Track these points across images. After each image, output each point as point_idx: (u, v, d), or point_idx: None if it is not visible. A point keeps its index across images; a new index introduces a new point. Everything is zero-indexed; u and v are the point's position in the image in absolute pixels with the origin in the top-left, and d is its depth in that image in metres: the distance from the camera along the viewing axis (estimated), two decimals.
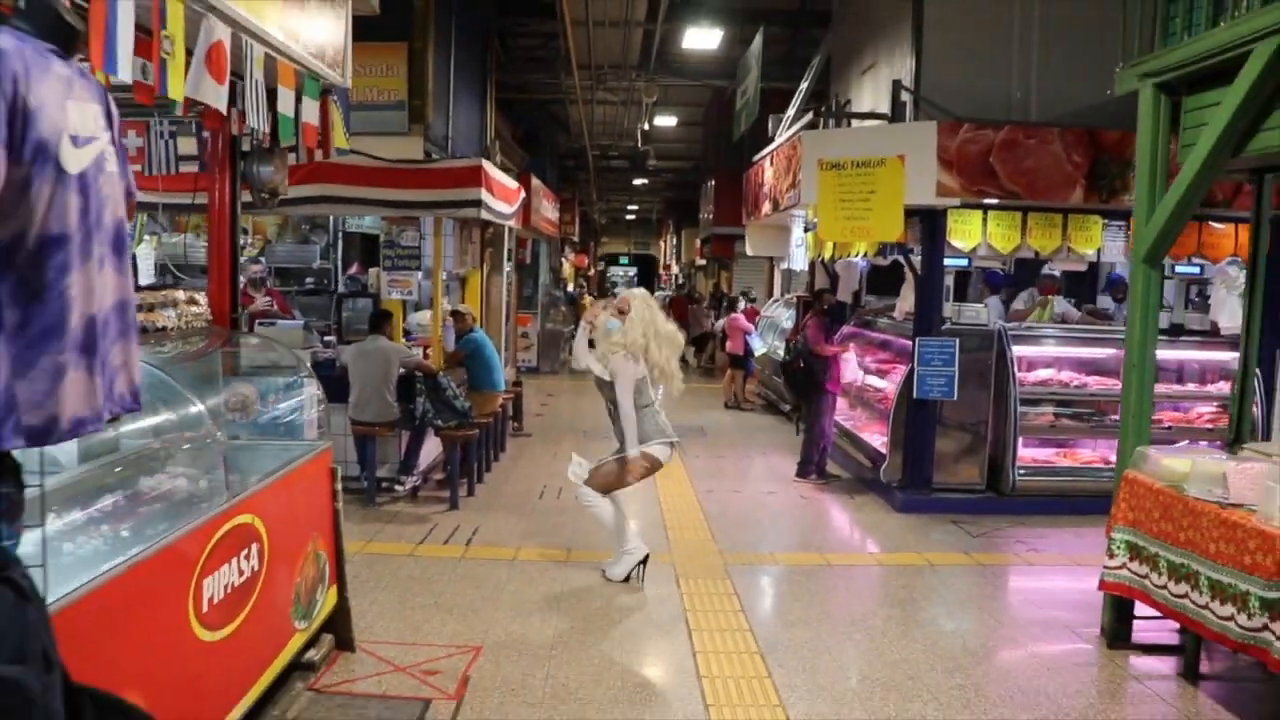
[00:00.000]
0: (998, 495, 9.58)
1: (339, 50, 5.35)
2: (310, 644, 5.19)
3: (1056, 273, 10.94)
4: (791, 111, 12.46)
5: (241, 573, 4.11)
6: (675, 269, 41.95)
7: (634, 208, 47.14)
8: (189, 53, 3.82)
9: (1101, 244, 9.64)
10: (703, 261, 32.57)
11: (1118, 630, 6.05)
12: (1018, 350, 9.61)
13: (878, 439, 10.36)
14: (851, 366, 11.53)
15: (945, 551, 8.12)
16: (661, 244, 49.43)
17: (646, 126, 22.54)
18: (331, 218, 12.16)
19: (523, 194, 12.93)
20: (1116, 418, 9.23)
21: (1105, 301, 12.04)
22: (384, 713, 4.75)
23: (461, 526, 8.41)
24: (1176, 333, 9.93)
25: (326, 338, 10.67)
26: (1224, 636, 4.88)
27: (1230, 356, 9.06)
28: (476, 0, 14.17)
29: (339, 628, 5.54)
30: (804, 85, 12.63)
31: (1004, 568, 7.77)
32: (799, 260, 14.15)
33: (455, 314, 10.97)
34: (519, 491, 9.83)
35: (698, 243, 32.18)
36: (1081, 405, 9.72)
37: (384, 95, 11.02)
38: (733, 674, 5.44)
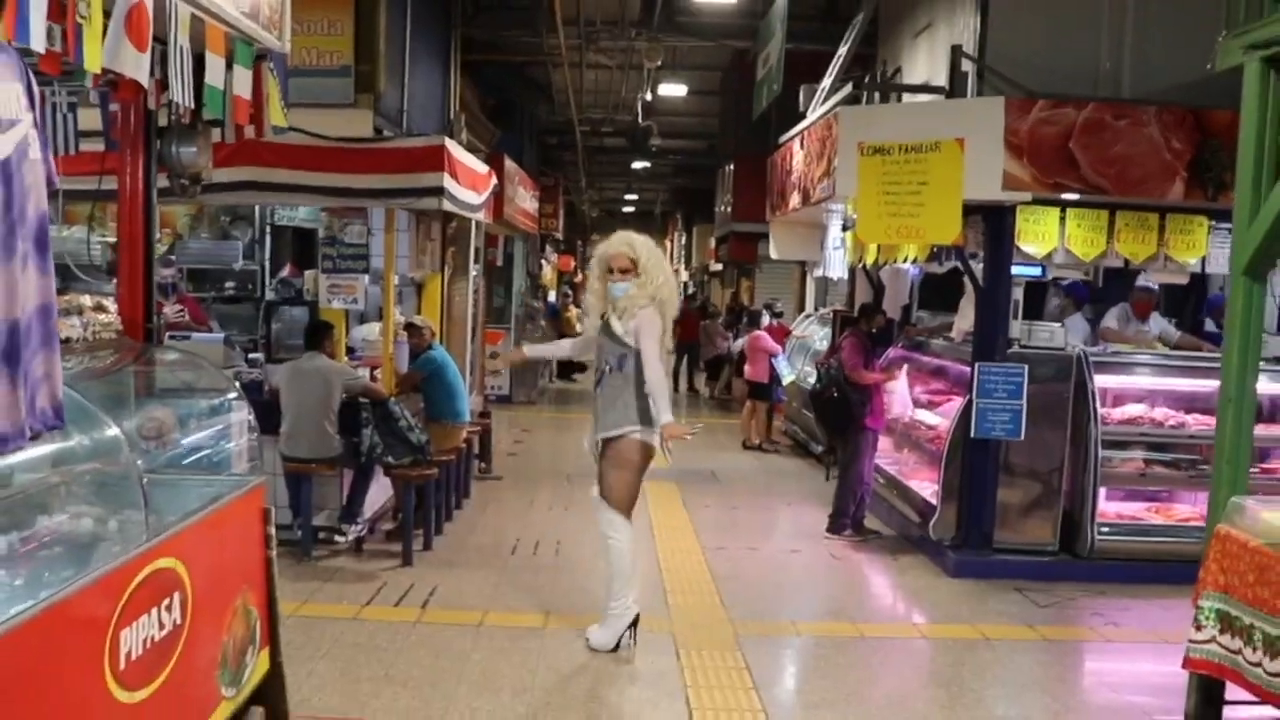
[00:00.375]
0: (1073, 558, 9.90)
1: (275, 8, 5.69)
2: (239, 716, 5.49)
3: (1154, 285, 11.23)
4: (828, 82, 12.83)
5: (162, 625, 4.42)
6: (684, 275, 42.35)
7: (633, 198, 47.95)
8: (106, 15, 4.15)
9: (1207, 251, 9.99)
10: (719, 266, 33.02)
11: (1205, 715, 6.34)
12: (1101, 380, 9.93)
13: (928, 488, 10.71)
14: (900, 398, 11.86)
15: (1005, 624, 8.47)
16: (668, 244, 49.92)
17: (649, 97, 23.11)
18: (258, 208, 12.49)
19: (494, 180, 13.28)
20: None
21: (1210, 325, 12.38)
22: None
23: (417, 585, 8.76)
24: None
25: (252, 355, 11.02)
26: None
27: None
28: None
29: (272, 698, 5.83)
30: (843, 49, 13.01)
31: (1075, 644, 8.14)
32: (836, 266, 14.50)
33: (410, 327, 11.32)
34: (486, 545, 10.19)
35: (712, 243, 32.62)
36: (1180, 450, 10.06)
37: (325, 58, 11.42)
38: None
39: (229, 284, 12.91)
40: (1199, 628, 6.19)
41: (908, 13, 12.88)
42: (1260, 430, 8.92)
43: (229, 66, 5.25)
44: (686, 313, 27.50)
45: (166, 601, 4.49)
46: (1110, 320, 11.61)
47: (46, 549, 4.42)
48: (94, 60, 3.93)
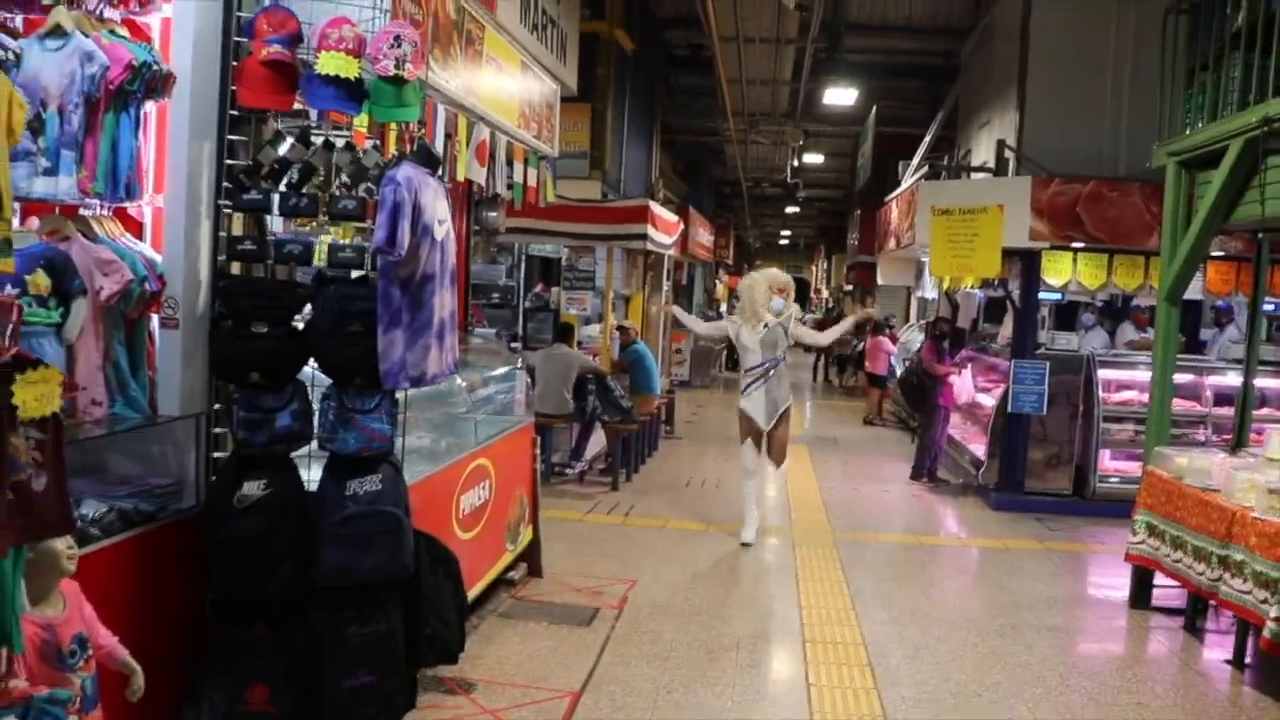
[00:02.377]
0: (1082, 499, 10.92)
1: (550, 132, 7.31)
2: (512, 566, 7.11)
3: (1143, 304, 12.22)
4: (915, 160, 14.10)
5: (480, 497, 6.05)
6: (825, 292, 43.19)
7: (787, 233, 48.81)
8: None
9: None
10: (850, 287, 33.91)
11: (1139, 594, 7.54)
12: (1104, 374, 10.99)
13: (980, 448, 11.88)
14: (965, 386, 13.03)
15: (1023, 539, 9.64)
16: (813, 268, 50.72)
17: (796, 164, 24.15)
18: (516, 242, 14.22)
19: (681, 226, 14.84)
20: (1191, 433, 10.68)
21: (1207, 334, 13.25)
22: (566, 613, 6.63)
23: (620, 503, 10.25)
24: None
25: (513, 344, 12.68)
26: (1199, 588, 6.42)
27: None
28: (648, 57, 16.20)
29: (532, 559, 7.45)
30: (928, 137, 14.27)
31: (1069, 553, 9.24)
32: (929, 289, 15.68)
33: (621, 329, 12.88)
34: (669, 481, 11.64)
35: (845, 269, 33.53)
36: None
37: (571, 146, 13.06)
38: (826, 607, 7.17)
39: (494, 295, 14.61)
40: (1134, 534, 7.40)
41: (977, 110, 13.99)
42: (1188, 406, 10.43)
43: (525, 167, 6.86)
44: (825, 321, 28.72)
45: (483, 483, 6.13)
46: (1129, 332, 12.63)
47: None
48: (461, 173, 5.55)
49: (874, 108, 15.39)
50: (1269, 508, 5.85)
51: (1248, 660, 6.34)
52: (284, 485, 4.15)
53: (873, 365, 18.63)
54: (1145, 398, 11.00)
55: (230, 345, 4.14)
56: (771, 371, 8.69)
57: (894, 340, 19.97)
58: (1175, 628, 7.15)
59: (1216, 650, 6.72)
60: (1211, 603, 6.52)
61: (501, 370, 7.66)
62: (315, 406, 4.28)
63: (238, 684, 4.03)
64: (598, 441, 11.68)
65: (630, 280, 14.98)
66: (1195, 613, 7.10)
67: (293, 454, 4.26)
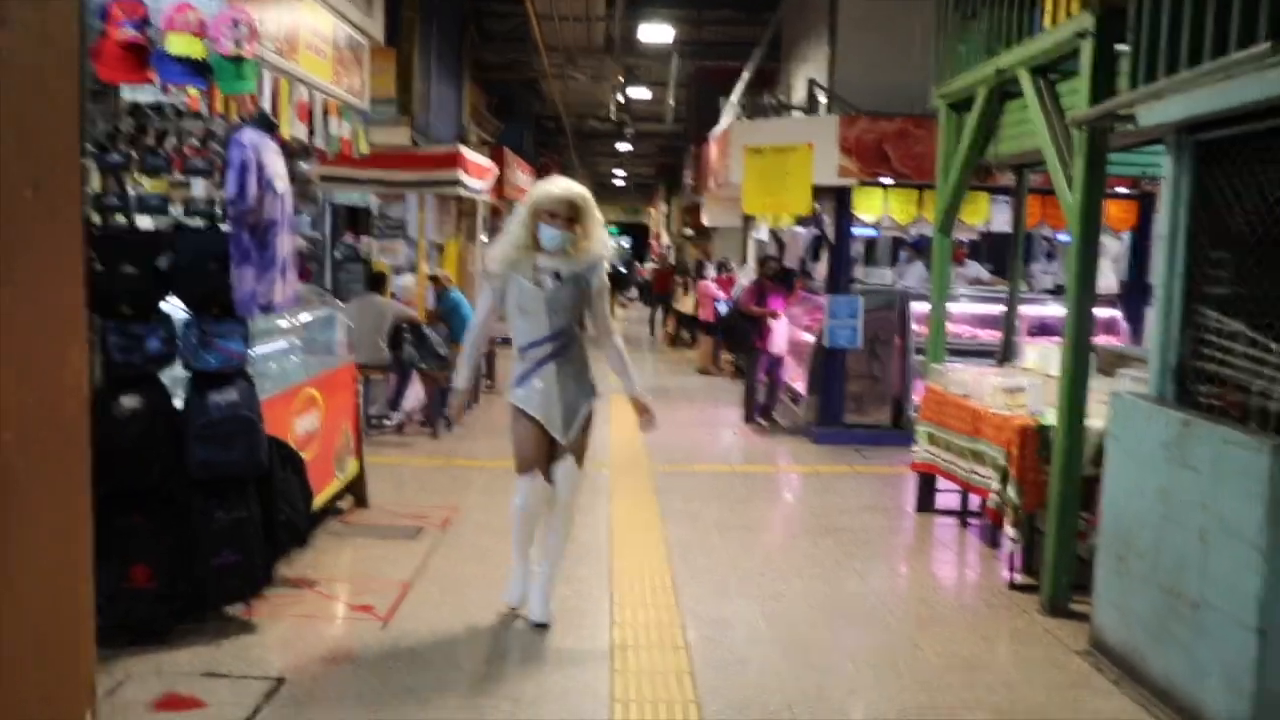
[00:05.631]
0: (899, 430, 12.97)
1: (364, 84, 9.03)
2: (340, 496, 8.87)
3: (962, 239, 14.48)
4: (735, 98, 16.14)
5: (311, 424, 7.81)
6: (665, 238, 44.77)
7: (621, 173, 50.67)
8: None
9: (989, 216, 13.24)
10: (690, 231, 35.69)
11: (924, 500, 9.68)
12: (915, 307, 13.15)
13: (800, 385, 13.98)
14: (781, 333, 14.82)
15: (833, 465, 11.77)
16: (652, 211, 52.26)
17: (621, 99, 26.10)
18: (321, 191, 15.76)
19: (495, 170, 16.59)
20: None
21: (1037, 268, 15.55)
22: (393, 531, 8.44)
23: (440, 449, 12.04)
24: (1057, 291, 13.48)
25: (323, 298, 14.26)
26: (966, 483, 8.54)
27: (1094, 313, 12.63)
28: None
29: (358, 491, 9.21)
30: (745, 74, 16.34)
31: (876, 475, 11.29)
32: (763, 230, 17.76)
33: (432, 278, 14.56)
34: (489, 429, 13.37)
35: (681, 212, 35.30)
36: (972, 355, 13.24)
37: (377, 92, 14.65)
38: (635, 521, 9.11)
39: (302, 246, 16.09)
40: (917, 444, 9.52)
41: (795, 45, 16.09)
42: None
43: (340, 119, 8.55)
44: (660, 271, 30.57)
45: (312, 412, 7.89)
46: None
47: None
48: (285, 131, 7.24)
49: (673, 57, 17.27)
50: (1002, 404, 7.99)
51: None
52: (154, 398, 5.87)
53: (704, 313, 20.66)
54: (957, 329, 13.27)
55: (102, 284, 5.82)
56: (564, 351, 6.46)
57: (729, 284, 22.03)
58: (950, 524, 9.33)
59: (974, 534, 8.91)
60: (972, 495, 8.69)
61: (322, 313, 9.40)
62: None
63: (123, 566, 5.74)
64: (415, 394, 13.36)
65: (444, 228, 16.65)
66: (964, 507, 9.27)
67: (159, 373, 5.98)
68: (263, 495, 6.20)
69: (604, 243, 6.60)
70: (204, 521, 5.94)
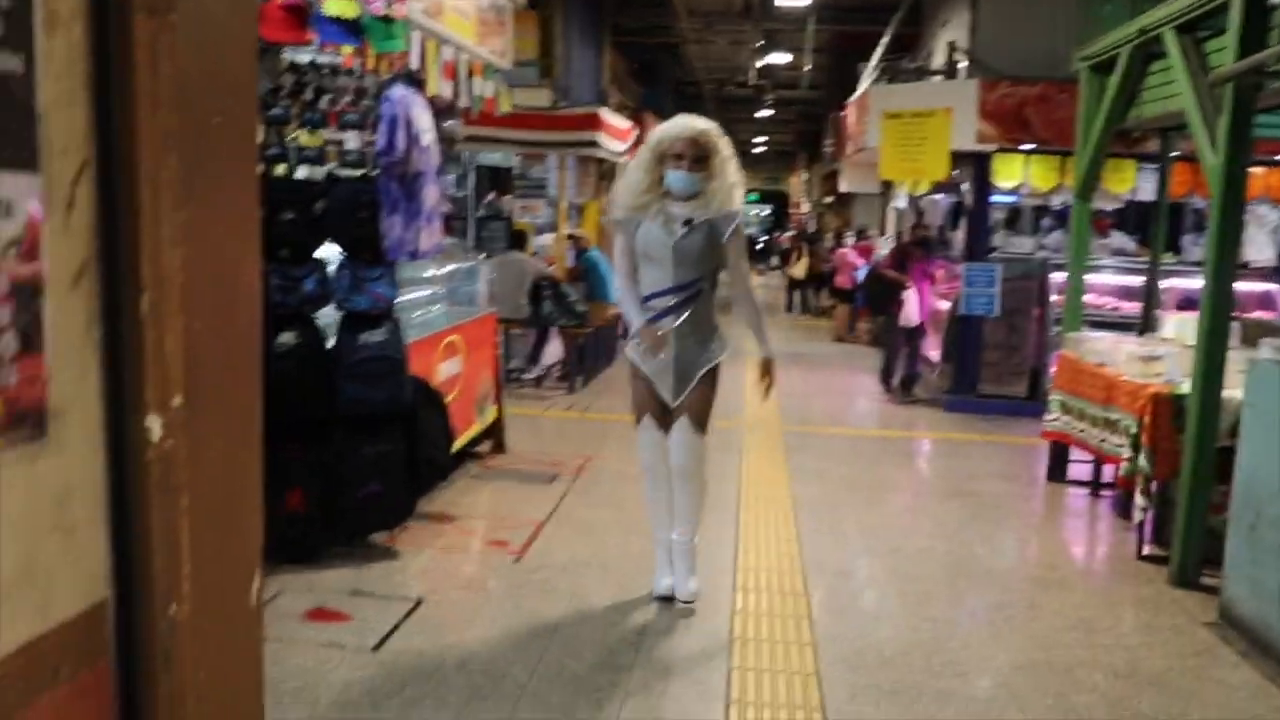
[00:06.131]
0: (1036, 403, 12.67)
1: (507, 45, 9.33)
2: (479, 441, 9.23)
3: (1106, 209, 14.32)
4: (873, 63, 16.18)
5: (454, 369, 8.16)
6: (805, 207, 44.43)
7: (761, 140, 50.03)
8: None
9: (1135, 184, 13.09)
10: (830, 199, 35.52)
11: (1055, 469, 9.71)
12: (1055, 277, 13.08)
13: (934, 353, 14.02)
14: (913, 306, 14.66)
15: (967, 433, 11.84)
16: (793, 179, 52.03)
17: (759, 65, 26.11)
18: (465, 153, 16.19)
19: (636, 132, 16.83)
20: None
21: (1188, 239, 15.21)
22: (530, 475, 8.79)
23: (576, 404, 12.40)
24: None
25: (468, 252, 14.67)
26: (1099, 451, 8.57)
27: (1249, 287, 12.43)
28: None
29: (496, 437, 9.57)
30: (885, 39, 16.35)
31: (1009, 444, 11.33)
32: (902, 198, 17.78)
33: (571, 237, 14.91)
34: (624, 386, 13.64)
35: (821, 179, 35.16)
36: (1113, 327, 13.11)
37: (520, 54, 14.99)
38: (765, 477, 9.33)
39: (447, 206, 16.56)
40: (1049, 413, 9.55)
41: (936, 8, 16.03)
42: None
43: (484, 79, 8.85)
44: (795, 240, 30.56)
45: (455, 357, 8.23)
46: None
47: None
48: (432, 89, 7.56)
49: (808, 21, 17.27)
50: (1138, 372, 8.02)
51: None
52: (310, 336, 6.24)
53: (841, 279, 20.70)
54: (1098, 300, 13.15)
55: (263, 230, 6.19)
56: (688, 304, 5.99)
57: (868, 251, 22.00)
58: (1082, 495, 9.36)
59: (1106, 505, 8.95)
60: (1105, 467, 8.72)
61: (465, 265, 9.78)
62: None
63: (281, 489, 6.12)
64: (554, 350, 13.73)
65: (583, 189, 16.99)
66: (1096, 478, 9.30)
67: (315, 315, 6.35)
68: (407, 432, 6.54)
69: (738, 185, 5.99)
70: (351, 454, 6.30)
